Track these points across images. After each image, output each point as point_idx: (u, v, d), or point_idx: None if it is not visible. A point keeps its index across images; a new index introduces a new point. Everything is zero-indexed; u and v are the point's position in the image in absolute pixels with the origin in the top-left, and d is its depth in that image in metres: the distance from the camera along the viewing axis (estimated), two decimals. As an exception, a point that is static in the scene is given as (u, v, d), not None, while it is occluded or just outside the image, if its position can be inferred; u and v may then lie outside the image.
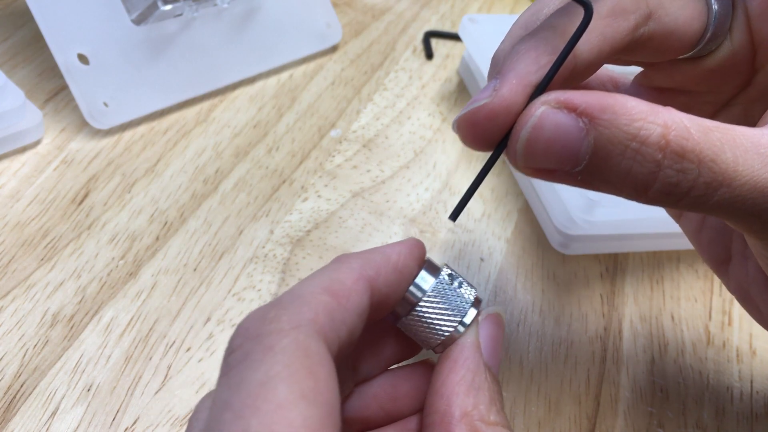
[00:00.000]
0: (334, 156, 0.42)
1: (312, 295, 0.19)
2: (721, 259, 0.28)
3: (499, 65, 0.22)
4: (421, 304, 0.22)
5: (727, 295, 0.38)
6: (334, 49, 0.51)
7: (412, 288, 0.22)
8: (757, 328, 0.36)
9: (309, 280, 0.20)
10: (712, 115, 0.27)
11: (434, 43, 0.53)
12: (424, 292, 0.22)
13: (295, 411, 0.16)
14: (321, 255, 0.36)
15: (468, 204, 0.22)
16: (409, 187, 0.41)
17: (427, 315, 0.22)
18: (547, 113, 0.20)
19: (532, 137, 0.20)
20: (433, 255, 0.37)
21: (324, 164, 0.42)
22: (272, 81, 0.47)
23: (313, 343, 0.18)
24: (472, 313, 0.22)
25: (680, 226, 0.30)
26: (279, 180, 0.40)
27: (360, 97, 0.47)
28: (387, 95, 0.48)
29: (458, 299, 0.22)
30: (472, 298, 0.23)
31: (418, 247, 0.23)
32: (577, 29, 0.20)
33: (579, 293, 0.37)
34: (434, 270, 0.23)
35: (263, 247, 0.36)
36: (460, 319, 0.22)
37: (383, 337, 0.24)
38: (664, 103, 0.20)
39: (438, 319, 0.22)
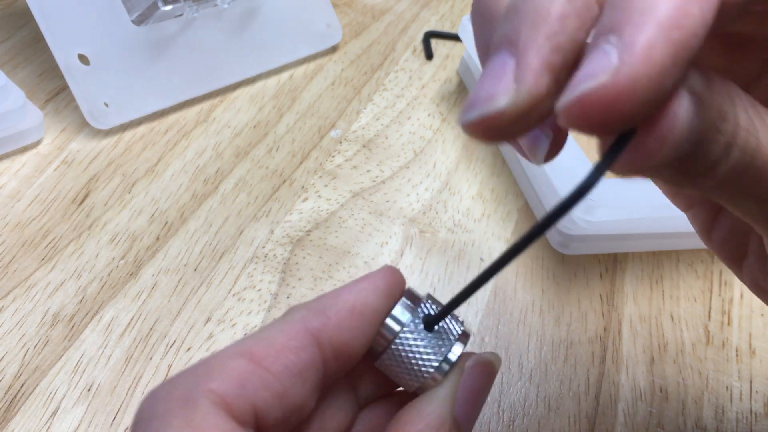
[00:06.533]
0: (334, 156, 0.43)
1: (220, 361, 0.17)
2: (735, 256, 0.27)
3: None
4: (396, 341, 0.19)
5: (727, 295, 0.38)
6: (334, 49, 0.51)
7: (387, 321, 0.19)
8: (757, 328, 0.36)
9: (233, 344, 0.18)
10: None
11: (434, 43, 0.53)
12: (400, 326, 0.19)
13: None
14: (321, 255, 0.36)
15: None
16: (409, 187, 0.41)
17: (403, 354, 0.19)
18: None
19: None
20: (433, 255, 0.37)
21: (324, 164, 0.42)
22: (272, 81, 0.47)
23: (210, 415, 0.16)
24: (456, 351, 0.19)
25: (689, 219, 0.28)
26: (279, 180, 0.40)
27: (360, 98, 0.47)
28: (387, 95, 0.48)
29: (441, 336, 0.19)
30: (457, 333, 0.19)
31: (390, 277, 0.20)
32: None
33: (579, 293, 0.37)
34: (414, 300, 0.20)
35: (263, 247, 0.36)
36: (442, 358, 0.19)
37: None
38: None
39: (416, 360, 0.19)
